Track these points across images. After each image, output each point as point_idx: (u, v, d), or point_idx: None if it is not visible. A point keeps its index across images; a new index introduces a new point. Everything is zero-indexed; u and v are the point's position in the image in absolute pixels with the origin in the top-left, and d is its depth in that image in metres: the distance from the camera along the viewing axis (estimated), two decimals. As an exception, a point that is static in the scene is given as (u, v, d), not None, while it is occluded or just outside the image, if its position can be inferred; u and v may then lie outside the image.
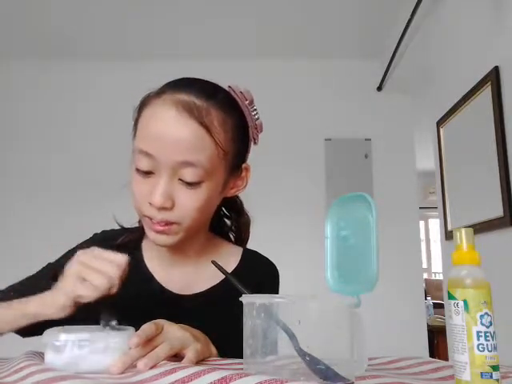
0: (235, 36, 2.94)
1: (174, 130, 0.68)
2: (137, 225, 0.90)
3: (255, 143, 0.83)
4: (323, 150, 3.12)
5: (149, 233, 0.76)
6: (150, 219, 0.73)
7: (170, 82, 0.76)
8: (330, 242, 0.56)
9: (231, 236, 0.95)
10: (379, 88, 3.15)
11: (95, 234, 0.91)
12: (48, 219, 2.93)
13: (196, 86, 0.74)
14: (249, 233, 0.95)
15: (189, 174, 0.70)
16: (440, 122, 2.28)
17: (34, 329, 0.68)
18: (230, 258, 0.88)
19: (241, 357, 0.53)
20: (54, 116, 3.13)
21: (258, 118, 0.81)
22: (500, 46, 1.76)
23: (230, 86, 0.79)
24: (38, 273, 0.85)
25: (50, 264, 0.86)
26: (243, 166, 0.82)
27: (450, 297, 0.47)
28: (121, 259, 0.63)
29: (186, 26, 2.83)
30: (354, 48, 3.07)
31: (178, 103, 0.69)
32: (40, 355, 0.61)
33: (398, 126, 3.16)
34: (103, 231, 0.91)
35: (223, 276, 0.81)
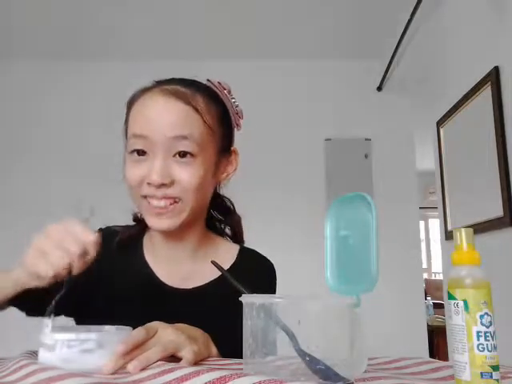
0: (235, 36, 2.94)
1: (165, 111, 0.74)
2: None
3: (238, 129, 0.87)
4: (323, 150, 3.12)
5: (149, 219, 0.77)
6: (149, 203, 0.75)
7: (155, 81, 0.82)
8: (329, 242, 0.56)
9: (227, 237, 0.96)
10: (379, 88, 3.15)
11: (99, 229, 0.91)
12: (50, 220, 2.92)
13: (179, 80, 0.80)
14: (242, 230, 0.97)
15: (183, 146, 0.73)
16: (440, 122, 2.28)
17: (31, 303, 0.68)
18: (227, 254, 0.89)
19: (237, 350, 0.53)
20: (52, 115, 3.13)
21: (237, 106, 0.85)
22: (500, 46, 1.76)
23: (208, 80, 0.84)
24: None
25: None
26: (232, 149, 0.86)
27: (450, 297, 0.47)
28: (88, 237, 0.62)
29: (186, 26, 2.83)
30: (354, 48, 3.07)
31: (165, 90, 0.75)
32: (37, 355, 0.61)
33: (398, 126, 3.16)
34: (107, 227, 0.92)
35: (218, 274, 0.83)
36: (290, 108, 3.14)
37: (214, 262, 0.68)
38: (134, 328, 0.59)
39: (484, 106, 1.84)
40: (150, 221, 0.77)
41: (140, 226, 0.89)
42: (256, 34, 2.93)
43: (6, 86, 3.17)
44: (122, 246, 0.86)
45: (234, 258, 0.89)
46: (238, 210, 0.98)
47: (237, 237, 0.96)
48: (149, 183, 0.74)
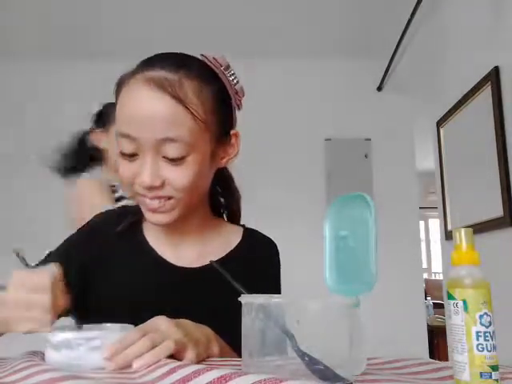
0: (234, 35, 2.94)
1: (150, 109, 0.68)
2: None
3: (239, 109, 0.81)
4: (323, 150, 3.12)
5: (145, 212, 0.76)
6: (144, 199, 0.74)
7: (143, 61, 0.76)
8: (328, 242, 0.56)
9: (224, 215, 0.95)
10: (379, 88, 3.15)
11: (95, 216, 0.90)
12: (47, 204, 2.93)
13: (167, 60, 0.73)
14: (240, 209, 0.95)
15: (171, 151, 0.69)
16: (440, 122, 2.28)
17: None
18: (231, 236, 0.89)
19: (238, 329, 0.53)
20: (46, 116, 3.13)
21: (237, 83, 0.78)
22: (500, 46, 1.76)
23: (202, 55, 0.77)
24: (41, 263, 0.82)
25: (50, 253, 0.85)
26: (232, 132, 0.80)
27: (450, 297, 0.47)
28: (47, 282, 0.60)
29: (186, 23, 2.83)
30: (354, 48, 3.07)
31: (150, 81, 0.69)
32: (40, 355, 0.61)
33: (398, 126, 3.16)
34: (105, 212, 0.90)
35: (224, 253, 0.84)
36: (289, 108, 3.14)
37: (212, 262, 0.68)
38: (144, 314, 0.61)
39: (484, 106, 1.84)
40: (147, 214, 0.76)
41: (140, 212, 0.86)
42: (256, 32, 2.93)
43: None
44: (123, 236, 0.85)
45: (239, 239, 0.88)
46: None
47: (234, 215, 0.94)
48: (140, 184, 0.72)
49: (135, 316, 0.65)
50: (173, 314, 0.64)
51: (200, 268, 0.82)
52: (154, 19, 2.76)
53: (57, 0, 2.56)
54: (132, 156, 0.72)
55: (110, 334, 0.57)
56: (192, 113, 0.70)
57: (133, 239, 0.85)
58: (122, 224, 0.85)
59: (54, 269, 0.63)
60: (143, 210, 0.77)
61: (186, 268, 0.82)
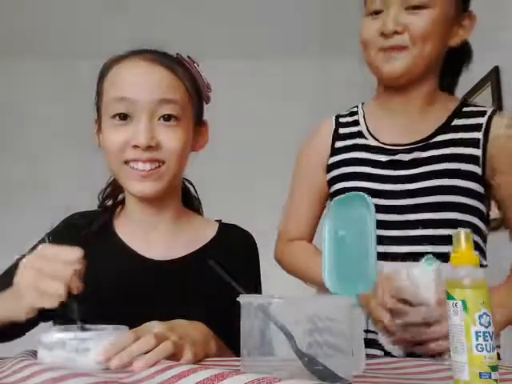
0: (234, 35, 2.94)
1: (149, 75, 0.75)
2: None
3: (207, 102, 0.88)
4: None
5: (132, 184, 0.77)
6: (131, 167, 0.75)
7: (130, 51, 0.81)
8: (328, 242, 0.56)
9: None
10: (379, 88, 3.15)
11: (64, 221, 0.89)
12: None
13: (154, 51, 0.81)
14: (194, 198, 0.96)
15: (168, 109, 0.75)
16: (440, 122, 2.27)
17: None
18: (205, 230, 0.88)
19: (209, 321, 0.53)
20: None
21: (206, 79, 0.87)
22: (500, 46, 1.76)
23: (177, 54, 0.85)
24: (8, 270, 0.80)
25: (19, 259, 0.83)
26: (202, 121, 0.87)
27: (449, 297, 0.47)
28: (73, 256, 0.61)
29: (186, 25, 2.83)
30: (354, 48, 3.06)
31: (146, 58, 0.77)
32: (35, 355, 0.61)
33: (398, 126, 3.15)
34: (73, 215, 0.90)
35: (197, 247, 0.84)
36: (290, 108, 3.14)
37: (212, 263, 0.67)
38: (127, 316, 0.61)
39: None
40: (134, 186, 0.77)
41: (109, 211, 0.87)
42: (256, 33, 2.93)
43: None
44: (95, 235, 0.84)
45: (214, 232, 0.88)
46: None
47: (192, 204, 0.95)
48: (135, 146, 0.73)
49: (111, 309, 0.66)
50: (144, 305, 0.64)
51: (172, 260, 0.82)
52: (152, 19, 2.76)
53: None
54: (124, 119, 0.74)
55: (103, 335, 0.57)
56: (185, 84, 0.78)
57: (104, 234, 0.85)
58: (95, 222, 0.85)
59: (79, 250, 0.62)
60: (130, 182, 0.77)
61: (158, 260, 0.82)
